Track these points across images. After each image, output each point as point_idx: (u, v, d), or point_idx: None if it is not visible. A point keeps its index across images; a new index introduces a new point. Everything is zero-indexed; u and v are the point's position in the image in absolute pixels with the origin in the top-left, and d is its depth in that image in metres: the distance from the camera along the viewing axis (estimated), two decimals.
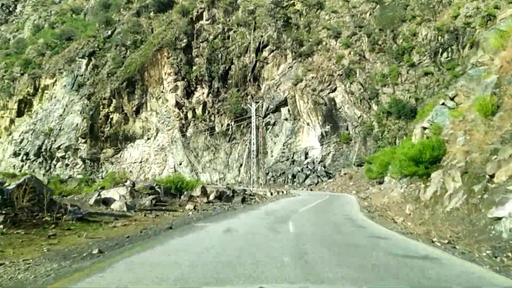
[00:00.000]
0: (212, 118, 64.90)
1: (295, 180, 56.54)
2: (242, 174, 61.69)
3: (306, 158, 59.74)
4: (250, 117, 56.41)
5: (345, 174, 52.55)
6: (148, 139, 66.46)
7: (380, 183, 35.06)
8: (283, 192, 39.60)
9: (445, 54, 55.63)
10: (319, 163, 57.10)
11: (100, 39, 73.80)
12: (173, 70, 64.85)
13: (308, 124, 60.44)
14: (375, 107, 56.68)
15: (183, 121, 64.16)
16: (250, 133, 59.04)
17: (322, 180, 54.06)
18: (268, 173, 60.00)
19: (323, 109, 58.57)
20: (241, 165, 62.74)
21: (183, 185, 22.58)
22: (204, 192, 21.13)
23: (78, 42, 77.00)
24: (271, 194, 35.12)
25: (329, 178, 54.07)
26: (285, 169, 59.16)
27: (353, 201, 25.09)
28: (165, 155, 64.89)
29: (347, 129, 57.63)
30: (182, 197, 19.98)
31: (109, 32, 74.23)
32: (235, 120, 63.17)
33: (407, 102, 54.31)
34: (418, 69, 56.13)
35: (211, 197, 21.37)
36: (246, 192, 28.51)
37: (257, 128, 61.97)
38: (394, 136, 53.48)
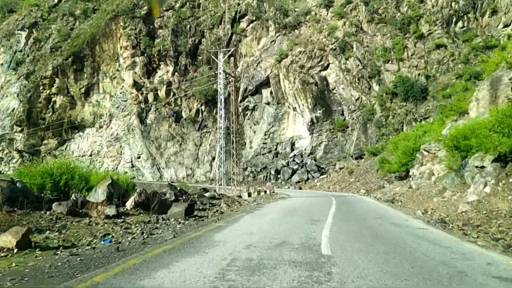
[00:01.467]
0: (179, 102, 54.10)
1: (279, 176, 46.43)
2: (215, 170, 51.13)
3: (292, 149, 49.71)
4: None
5: (341, 168, 42.77)
6: (100, 127, 55.15)
7: (401, 178, 25.28)
8: (265, 192, 29.37)
9: (460, 23, 46.44)
10: (308, 156, 47.15)
11: (44, 9, 61.96)
12: (130, 43, 53.68)
13: (294, 108, 50.40)
14: (376, 88, 47.05)
15: (143, 105, 53.16)
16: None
17: (313, 177, 44.12)
18: (246, 168, 49.72)
19: (313, 90, 48.61)
20: (213, 158, 52.22)
21: (72, 182, 12.16)
22: (110, 196, 10.66)
23: (19, 13, 64.87)
24: (249, 195, 24.82)
25: (322, 173, 44.18)
26: (267, 163, 49.00)
27: (393, 213, 14.64)
28: (121, 146, 53.75)
29: (342, 114, 47.83)
30: (57, 205, 9.41)
31: (55, 0, 62.37)
32: (206, 104, 52.56)
33: (415, 80, 44.86)
34: (427, 41, 46.75)
35: (129, 204, 10.94)
36: (206, 195, 18.18)
37: (235, 113, 51.56)
38: (400, 122, 43.97)
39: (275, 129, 51.54)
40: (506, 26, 42.77)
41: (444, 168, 17.15)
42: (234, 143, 31.13)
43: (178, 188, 16.72)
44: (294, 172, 45.48)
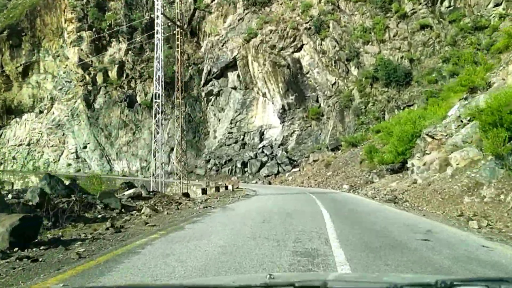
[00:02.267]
0: (132, 85, 47.77)
1: (246, 169, 41.16)
2: (173, 162, 45.31)
3: (261, 140, 44.54)
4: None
5: (315, 161, 37.95)
6: (40, 112, 48.08)
7: (395, 171, 20.56)
8: (226, 187, 24.03)
9: (446, 2, 42.37)
10: (279, 147, 42.10)
11: None
12: (76, 15, 46.79)
13: (264, 94, 45.17)
14: (355, 71, 42.47)
15: (90, 88, 46.49)
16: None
17: (284, 170, 39.09)
18: (209, 160, 44.14)
19: (285, 74, 43.52)
20: (172, 149, 46.34)
21: None
22: None
23: None
24: (204, 192, 19.39)
25: (294, 166, 39.23)
26: (233, 155, 43.62)
27: (427, 224, 9.05)
28: (64, 135, 46.95)
29: (317, 100, 43.01)
30: None
31: None
32: (164, 88, 46.30)
33: (398, 64, 40.54)
34: (411, 21, 42.51)
35: None
36: (128, 192, 12.67)
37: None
38: (382, 109, 39.62)
39: (243, 117, 46.17)
40: (497, 5, 38.98)
41: (473, 156, 12.29)
42: (181, 119, 25.56)
43: (68, 183, 11.06)
44: (263, 165, 40.31)
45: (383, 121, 34.60)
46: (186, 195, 17.00)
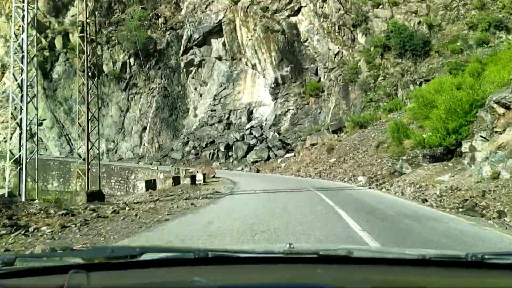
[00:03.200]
0: (99, 52, 40.70)
1: (230, 154, 34.84)
2: (145, 144, 38.76)
3: (249, 119, 38.17)
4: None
5: (313, 145, 31.85)
6: None
7: (436, 158, 14.41)
8: (193, 178, 17.49)
9: None
10: (270, 128, 35.79)
11: None
12: None
13: (254, 66, 38.58)
14: (362, 39, 36.05)
15: (46, 54, 39.46)
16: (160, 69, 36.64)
17: (275, 155, 32.85)
18: (187, 142, 37.62)
19: (279, 41, 36.90)
20: (144, 128, 39.72)
21: None
22: None
23: None
24: (150, 187, 13.08)
25: (287, 151, 33.01)
26: (216, 137, 37.21)
27: None
28: (15, 109, 39.84)
29: (316, 73, 36.60)
30: None
31: None
32: (136, 56, 39.53)
33: (415, 31, 34.19)
34: None
35: None
36: None
37: (174, 69, 39.59)
38: (394, 84, 33.41)
39: (228, 92, 39.58)
40: None
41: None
42: (86, 100, 18.84)
43: None
44: (250, 148, 33.98)
45: (415, 89, 27.95)
46: (95, 195, 10.64)
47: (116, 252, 1.61)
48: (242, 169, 31.28)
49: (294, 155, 31.42)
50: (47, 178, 32.38)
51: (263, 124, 36.84)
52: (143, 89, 40.37)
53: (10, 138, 38.05)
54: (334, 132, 32.33)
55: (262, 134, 35.55)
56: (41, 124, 38.32)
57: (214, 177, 20.24)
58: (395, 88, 33.11)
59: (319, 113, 34.98)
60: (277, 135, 34.60)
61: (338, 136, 30.56)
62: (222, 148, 35.07)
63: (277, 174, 27.64)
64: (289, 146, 33.67)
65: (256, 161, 32.56)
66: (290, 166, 29.30)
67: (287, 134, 34.99)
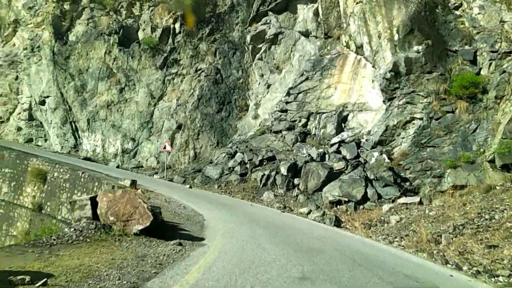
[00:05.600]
0: (135, 10, 29.69)
1: (295, 181, 20.27)
2: (171, 148, 25.91)
3: (339, 130, 23.38)
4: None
5: (458, 187, 15.94)
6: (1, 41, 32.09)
7: None
8: None
9: None
10: (374, 147, 20.68)
11: None
12: None
13: (360, 48, 24.20)
14: None
15: (68, 6, 29.38)
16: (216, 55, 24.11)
17: (379, 196, 17.50)
18: (235, 153, 23.91)
19: (410, 2, 21.94)
20: (179, 127, 27.13)
21: None
22: None
23: None
24: None
25: (404, 193, 17.37)
26: (279, 151, 23.10)
27: None
28: (17, 78, 30.27)
29: (474, 61, 20.73)
30: None
31: None
32: (184, 20, 27.55)
33: None
34: None
35: None
36: None
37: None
38: None
39: (312, 85, 25.35)
40: None
41: None
42: None
43: None
44: (332, 176, 18.98)
45: None
46: None
47: None
48: (308, 213, 16.42)
49: (420, 203, 15.68)
50: None
51: (363, 140, 21.71)
52: (187, 68, 27.98)
53: (8, 119, 28.14)
54: (505, 168, 16.00)
55: (357, 156, 20.42)
56: (43, 103, 27.72)
57: None
58: None
59: (475, 129, 18.78)
60: (386, 160, 19.15)
61: None
62: (283, 170, 20.60)
63: (381, 241, 12.35)
64: (408, 183, 17.99)
65: (339, 202, 17.40)
66: (409, 223, 13.74)
67: (406, 162, 19.33)
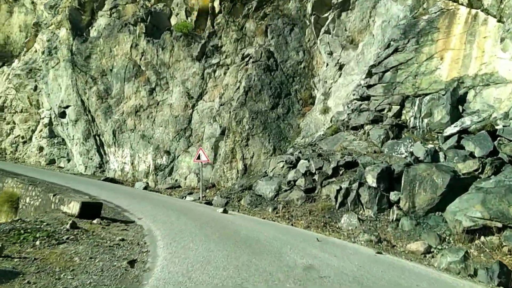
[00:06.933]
0: None
1: (392, 196, 12.66)
2: (224, 158, 19.56)
3: (456, 117, 15.35)
4: None
5: None
6: (27, 50, 28.56)
7: None
8: None
9: None
10: None
11: None
12: None
13: (482, 3, 16.24)
14: None
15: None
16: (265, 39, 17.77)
17: None
18: (297, 160, 16.90)
19: None
20: (222, 132, 20.86)
21: None
22: None
23: None
24: None
25: None
26: (360, 154, 15.72)
27: None
28: (36, 89, 26.16)
29: None
30: None
31: None
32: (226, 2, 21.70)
33: None
34: None
35: None
36: None
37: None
38: None
39: (404, 58, 18.00)
40: None
41: None
42: None
43: None
44: (459, 184, 11.20)
45: None
46: None
47: None
48: (426, 253, 8.91)
49: None
50: None
51: (498, 127, 13.76)
52: (231, 56, 21.87)
53: (30, 138, 23.97)
54: None
55: (494, 151, 12.55)
56: (63, 115, 23.07)
57: None
58: None
59: None
60: None
61: None
62: (371, 180, 13.30)
63: None
64: None
65: (484, 229, 9.64)
66: None
67: None
